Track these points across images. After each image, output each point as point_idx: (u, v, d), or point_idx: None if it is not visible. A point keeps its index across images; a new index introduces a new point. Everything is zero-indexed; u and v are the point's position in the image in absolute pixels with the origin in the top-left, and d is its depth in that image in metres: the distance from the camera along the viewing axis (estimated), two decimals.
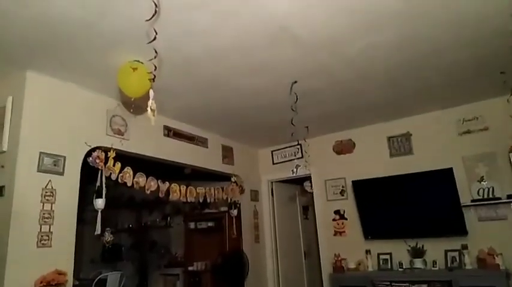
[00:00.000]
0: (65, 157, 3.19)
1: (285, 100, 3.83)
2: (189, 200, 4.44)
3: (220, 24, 2.60)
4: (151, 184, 3.93)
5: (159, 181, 4.03)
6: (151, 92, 2.03)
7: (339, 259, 4.89)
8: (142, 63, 2.87)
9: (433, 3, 2.50)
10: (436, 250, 4.34)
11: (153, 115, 2.04)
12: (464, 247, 4.14)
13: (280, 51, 3.02)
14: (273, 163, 5.96)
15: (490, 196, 4.17)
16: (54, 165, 3.10)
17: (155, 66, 2.16)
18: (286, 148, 5.77)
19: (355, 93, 4.00)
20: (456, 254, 4.20)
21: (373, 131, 5.11)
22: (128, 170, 3.67)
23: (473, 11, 2.63)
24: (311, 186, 5.60)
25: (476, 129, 4.40)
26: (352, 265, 4.83)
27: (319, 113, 4.50)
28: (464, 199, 4.24)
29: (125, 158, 3.70)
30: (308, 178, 5.64)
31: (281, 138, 5.35)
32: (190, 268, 6.19)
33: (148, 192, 3.92)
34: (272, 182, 6.01)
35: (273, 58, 3.12)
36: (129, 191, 4.64)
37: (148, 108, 2.01)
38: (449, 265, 4.19)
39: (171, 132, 4.39)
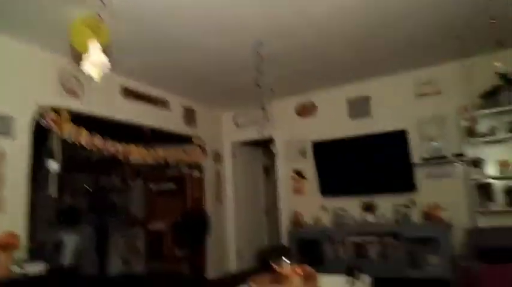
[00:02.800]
0: (13, 118, 2.98)
1: (250, 62, 3.76)
2: (149, 162, 4.36)
3: None
4: (108, 146, 3.79)
5: (117, 143, 3.90)
6: (93, 45, 1.88)
7: (297, 214, 5.13)
8: (96, 18, 2.65)
9: None
10: (386, 204, 4.66)
11: (99, 71, 1.90)
12: (412, 202, 4.47)
13: (245, 11, 2.91)
14: (236, 125, 5.95)
15: (439, 155, 4.47)
16: (3, 126, 2.89)
17: (99, 16, 2.00)
18: (250, 110, 5.75)
19: (319, 55, 4.00)
20: (404, 208, 4.53)
21: (334, 94, 5.21)
22: (83, 131, 3.51)
23: None
24: (273, 147, 5.69)
25: (431, 92, 4.61)
26: (309, 220, 5.09)
27: (283, 75, 4.48)
28: (416, 157, 4.52)
29: (81, 119, 3.52)
30: (271, 140, 5.71)
31: (245, 100, 5.31)
32: (151, 228, 6.22)
33: (106, 154, 3.79)
34: (235, 144, 6.04)
35: (237, 18, 3.02)
36: (87, 153, 4.46)
37: (87, 63, 1.87)
38: (397, 219, 4.52)
39: (129, 93, 4.21)
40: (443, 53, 4.19)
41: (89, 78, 3.52)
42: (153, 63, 3.85)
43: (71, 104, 3.40)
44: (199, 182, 5.49)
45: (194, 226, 5.13)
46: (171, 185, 6.12)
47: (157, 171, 6.16)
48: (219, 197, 5.67)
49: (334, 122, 5.16)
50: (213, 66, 4.00)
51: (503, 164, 4.08)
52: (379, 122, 4.83)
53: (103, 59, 1.88)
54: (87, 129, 3.56)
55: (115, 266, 6.25)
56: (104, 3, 1.94)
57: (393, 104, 4.80)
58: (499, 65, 2.50)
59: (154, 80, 4.37)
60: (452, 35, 3.67)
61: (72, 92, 3.46)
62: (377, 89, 4.94)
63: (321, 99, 5.34)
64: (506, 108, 4.01)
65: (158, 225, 6.20)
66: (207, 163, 5.52)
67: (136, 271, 6.12)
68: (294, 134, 5.48)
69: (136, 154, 4.17)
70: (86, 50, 2.70)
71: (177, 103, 5.02)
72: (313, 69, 4.42)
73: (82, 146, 3.55)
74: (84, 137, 3.52)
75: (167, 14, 2.86)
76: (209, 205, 5.45)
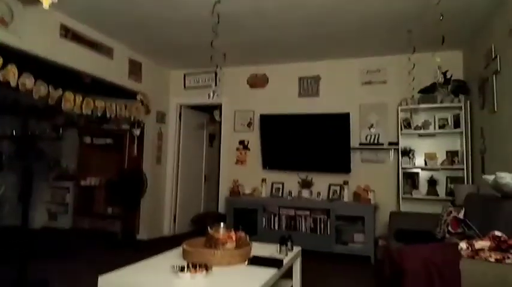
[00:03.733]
0: None
1: (205, 19, 3.59)
2: (84, 112, 4.05)
3: None
4: (40, 88, 3.45)
5: (50, 86, 3.56)
6: None
7: (237, 184, 5.17)
8: None
9: None
10: (322, 183, 4.86)
11: None
12: (346, 182, 4.71)
13: None
14: (185, 87, 5.75)
15: (376, 141, 4.72)
16: None
17: None
18: (201, 73, 5.58)
19: (276, 26, 3.93)
20: (338, 188, 4.76)
21: (287, 70, 5.21)
22: (12, 68, 3.14)
23: None
24: (220, 115, 5.61)
25: (377, 81, 4.80)
26: (248, 191, 5.16)
27: (239, 40, 4.36)
28: (354, 142, 4.73)
29: (9, 54, 3.14)
30: (218, 107, 5.62)
31: (196, 61, 5.12)
32: (83, 183, 5.92)
33: (36, 97, 3.45)
34: (181, 106, 5.85)
35: None
36: (14, 93, 4.04)
37: None
38: (330, 197, 4.75)
39: (69, 34, 3.84)
40: (393, 45, 4.35)
41: (23, 9, 3.18)
42: (101, 6, 3.52)
43: None
44: (139, 140, 5.27)
45: (129, 186, 4.95)
46: (108, 141, 5.82)
47: (95, 124, 5.81)
48: (159, 159, 5.51)
49: (284, 97, 5.20)
50: (164, 16, 3.75)
51: (430, 157, 4.42)
52: (325, 103, 4.95)
53: None
54: (18, 67, 3.19)
55: (39, 219, 5.90)
56: None
57: (341, 88, 4.94)
58: (439, 61, 2.64)
59: (100, 24, 4.01)
60: (403, 29, 3.81)
61: (1, 21, 3.06)
62: (327, 70, 5.03)
63: (274, 73, 5.32)
64: (440, 105, 4.32)
65: (91, 180, 5.92)
66: (149, 122, 5.30)
67: (61, 226, 5.83)
68: (243, 104, 5.43)
69: (72, 102, 3.85)
70: None
71: (122, 53, 4.69)
72: (269, 39, 4.34)
73: (9, 86, 3.19)
74: (13, 76, 3.16)
75: None
76: (147, 166, 5.28)
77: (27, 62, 3.39)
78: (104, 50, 4.36)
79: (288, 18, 3.72)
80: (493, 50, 3.36)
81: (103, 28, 4.14)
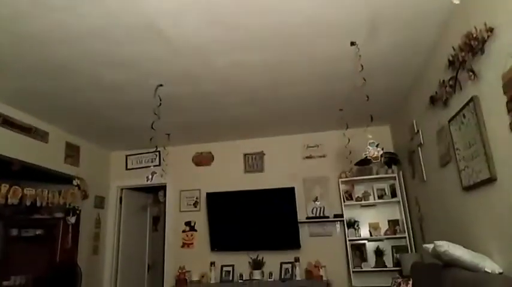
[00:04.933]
0: None
1: (147, 102, 3.64)
2: (10, 202, 3.68)
3: (82, 5, 2.30)
4: None
5: None
6: None
7: (183, 271, 4.81)
8: None
9: (293, 35, 2.76)
10: (273, 262, 4.69)
11: None
12: (297, 259, 4.60)
13: (148, 49, 2.85)
14: (126, 168, 5.56)
15: (321, 214, 4.78)
16: None
17: None
18: (143, 153, 5.47)
19: (219, 107, 4.09)
20: (290, 266, 4.62)
21: (232, 147, 5.31)
22: None
23: (323, 53, 3.02)
24: (161, 196, 5.42)
25: (317, 155, 5.03)
26: (195, 278, 4.81)
27: (182, 121, 4.43)
28: (301, 215, 4.75)
29: None
30: (163, 187, 5.44)
31: (138, 142, 5.04)
32: (5, 283, 5.13)
33: None
34: (122, 189, 5.58)
35: (139, 55, 2.92)
36: None
37: None
38: (282, 276, 4.57)
39: (0, 119, 3.64)
40: (329, 122, 4.67)
41: None
42: (35, 89, 3.43)
43: None
44: (74, 229, 4.83)
45: (61, 282, 4.39)
46: (38, 232, 5.24)
47: (23, 214, 5.27)
48: (96, 249, 5.03)
49: (230, 174, 5.20)
50: (105, 100, 3.74)
51: (374, 227, 4.54)
52: (271, 178, 5.02)
53: None
54: None
55: None
56: None
57: (284, 162, 5.08)
58: (370, 137, 2.86)
59: (34, 108, 3.86)
60: (336, 107, 4.15)
61: None
62: (271, 146, 5.20)
63: (219, 151, 5.38)
64: (376, 176, 4.57)
65: (15, 280, 5.15)
66: (86, 208, 4.93)
67: None
68: (188, 183, 5.33)
69: None
70: None
71: (59, 137, 4.50)
72: (212, 120, 4.47)
73: None
74: None
75: (60, 35, 2.62)
76: (83, 257, 4.77)
77: None
78: (38, 134, 4.16)
79: (229, 99, 3.89)
80: (414, 124, 3.73)
81: (38, 112, 4.00)
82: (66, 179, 4.59)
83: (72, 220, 4.60)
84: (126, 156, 5.58)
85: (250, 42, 2.83)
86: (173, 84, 3.45)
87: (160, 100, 3.56)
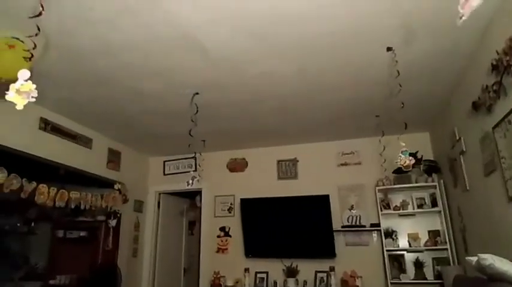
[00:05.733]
0: None
1: (184, 110, 3.75)
2: (57, 205, 3.92)
3: (120, 18, 2.43)
4: (12, 182, 3.36)
5: (23, 180, 3.48)
6: (23, 72, 1.74)
7: (218, 276, 4.87)
8: (22, 41, 2.49)
9: (325, 44, 2.75)
10: (308, 270, 4.63)
11: (23, 98, 1.74)
12: (332, 268, 4.51)
13: (184, 59, 2.95)
14: (164, 174, 5.73)
15: (357, 223, 4.66)
16: None
17: (35, 44, 1.89)
18: (180, 159, 5.62)
19: (252, 115, 4.13)
20: (325, 275, 4.54)
21: (266, 153, 5.33)
22: None
23: (357, 59, 2.97)
24: (200, 201, 5.53)
25: (352, 162, 4.93)
26: (230, 283, 4.84)
27: (217, 128, 4.51)
28: (336, 224, 4.65)
29: None
30: (198, 193, 5.56)
31: (175, 148, 5.19)
32: (52, 282, 5.43)
33: (7, 191, 3.34)
34: (160, 194, 5.76)
35: (176, 65, 3.03)
36: None
37: (12, 90, 1.71)
38: (317, 285, 4.50)
39: (48, 126, 3.89)
40: (364, 128, 4.57)
41: (2, 103, 3.24)
42: (81, 98, 3.65)
43: None
44: (115, 232, 5.04)
45: (102, 284, 4.58)
46: (82, 233, 5.52)
47: (69, 216, 5.57)
48: (135, 251, 5.22)
49: (263, 181, 5.22)
50: (144, 108, 3.90)
51: (413, 237, 4.36)
52: (304, 186, 4.98)
53: (31, 87, 1.72)
54: None
55: None
56: (38, 29, 1.83)
57: (318, 170, 5.02)
58: (403, 145, 2.78)
59: (79, 116, 4.11)
60: (371, 114, 4.06)
61: None
62: (304, 153, 5.16)
63: (253, 157, 5.42)
64: (415, 185, 4.40)
65: (61, 279, 5.44)
66: (126, 212, 5.13)
67: None
68: (223, 189, 5.40)
69: (46, 194, 3.75)
70: (4, 73, 2.50)
71: (102, 143, 4.74)
72: (246, 127, 4.52)
73: None
74: None
75: (103, 49, 2.78)
76: (123, 259, 4.96)
77: (2, 155, 3.36)
78: (83, 141, 4.40)
79: (260, 108, 3.93)
80: (456, 131, 3.57)
81: (83, 120, 4.24)
82: (108, 184, 4.81)
83: (113, 223, 4.81)
84: (164, 162, 5.76)
85: (282, 51, 2.85)
86: (208, 93, 3.54)
87: (197, 108, 3.66)
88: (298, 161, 5.18)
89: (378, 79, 3.29)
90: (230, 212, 5.29)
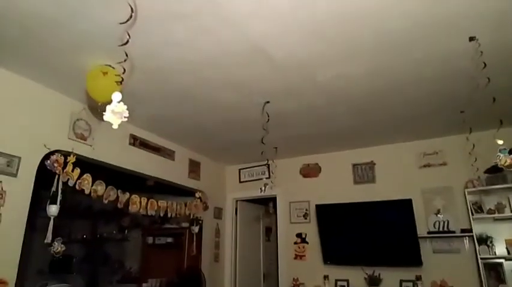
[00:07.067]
0: (20, 158, 3.01)
1: (257, 118, 3.86)
2: (149, 213, 4.29)
3: (197, 38, 2.60)
4: (110, 194, 3.76)
5: (118, 191, 3.88)
6: (116, 95, 1.96)
7: (297, 283, 4.87)
8: (113, 68, 2.81)
9: (402, 40, 2.63)
10: (392, 279, 4.41)
11: (117, 118, 1.96)
12: (419, 277, 4.23)
13: (255, 70, 3.05)
14: (240, 181, 5.93)
15: (445, 229, 4.32)
16: (8, 165, 2.92)
17: (124, 69, 2.12)
18: (254, 167, 5.77)
19: (324, 119, 4.09)
20: (410, 284, 4.28)
21: (340, 158, 5.22)
22: (87, 177, 3.50)
23: (437, 52, 2.79)
24: (274, 207, 5.60)
25: (436, 163, 4.59)
26: None
27: (289, 135, 4.55)
28: (421, 230, 4.36)
29: (86, 165, 3.54)
30: (273, 199, 5.63)
31: (249, 156, 5.34)
32: (144, 285, 5.92)
33: (106, 202, 3.75)
34: (237, 201, 5.96)
35: (248, 76, 3.15)
36: (87, 199, 4.42)
37: (108, 111, 1.94)
38: None
39: (137, 142, 4.28)
40: (448, 126, 4.24)
41: (99, 124, 3.67)
42: (163, 114, 3.97)
43: (78, 148, 3.45)
44: (198, 238, 5.33)
45: None
46: (168, 240, 5.94)
47: (156, 224, 6.04)
48: (216, 257, 5.46)
49: (338, 186, 5.11)
50: (220, 119, 4.10)
51: (511, 244, 3.91)
52: (383, 190, 4.76)
53: (123, 108, 1.95)
54: (92, 175, 3.56)
55: None
56: (126, 55, 2.06)
57: (398, 172, 4.77)
58: (500, 143, 2.51)
59: (163, 130, 4.46)
60: (456, 110, 3.76)
61: (81, 137, 3.53)
62: (382, 156, 4.94)
63: (326, 162, 5.34)
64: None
65: (152, 282, 5.90)
66: (207, 219, 5.40)
67: None
68: (297, 195, 5.40)
69: (138, 204, 4.12)
70: (100, 97, 2.83)
71: (183, 155, 5.07)
72: (318, 132, 4.49)
73: (83, 193, 3.53)
74: (87, 184, 3.51)
75: (181, 67, 3.00)
76: (206, 264, 5.22)
77: (99, 170, 3.78)
78: (167, 153, 4.75)
79: (333, 111, 3.87)
80: None
81: (166, 134, 4.59)
82: (190, 192, 5.13)
83: (196, 229, 5.09)
84: (239, 169, 5.95)
85: (352, 53, 2.79)
86: (279, 101, 3.60)
87: (268, 116, 3.74)
88: (375, 164, 4.98)
89: (460, 72, 3.04)
90: (306, 218, 5.26)
